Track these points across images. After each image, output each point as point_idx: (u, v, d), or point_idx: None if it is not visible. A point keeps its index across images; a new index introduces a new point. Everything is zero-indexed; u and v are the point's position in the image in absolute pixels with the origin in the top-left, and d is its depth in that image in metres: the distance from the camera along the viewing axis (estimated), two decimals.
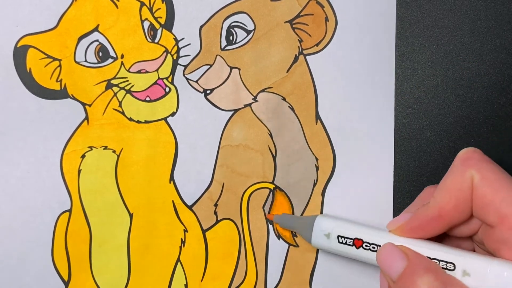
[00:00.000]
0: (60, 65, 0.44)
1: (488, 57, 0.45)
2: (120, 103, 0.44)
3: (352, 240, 0.39)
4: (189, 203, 0.45)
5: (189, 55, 0.45)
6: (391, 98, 0.45)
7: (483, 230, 0.37)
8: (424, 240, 0.37)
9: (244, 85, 0.45)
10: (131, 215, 0.44)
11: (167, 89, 0.45)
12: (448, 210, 0.36)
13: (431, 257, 0.36)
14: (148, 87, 0.44)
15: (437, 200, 0.36)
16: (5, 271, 0.44)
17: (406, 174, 0.45)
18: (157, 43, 0.44)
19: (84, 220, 0.44)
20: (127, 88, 0.44)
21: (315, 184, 0.45)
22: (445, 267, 0.36)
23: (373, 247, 0.38)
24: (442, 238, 0.38)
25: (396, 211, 0.45)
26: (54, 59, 0.44)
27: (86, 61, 0.44)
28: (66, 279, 0.44)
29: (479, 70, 0.45)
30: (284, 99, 0.45)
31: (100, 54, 0.44)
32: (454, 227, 0.37)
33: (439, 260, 0.36)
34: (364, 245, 0.38)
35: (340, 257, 0.44)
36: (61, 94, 0.44)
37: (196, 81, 0.45)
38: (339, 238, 0.39)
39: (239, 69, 0.45)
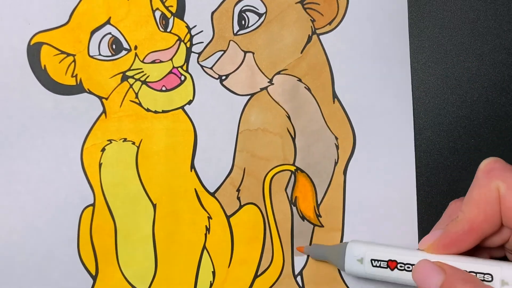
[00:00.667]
0: (74, 60, 0.44)
1: (488, 57, 0.45)
2: (136, 94, 0.44)
3: (386, 262, 0.38)
4: (212, 190, 0.45)
5: (202, 42, 0.45)
6: (407, 72, 0.45)
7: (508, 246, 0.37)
8: (457, 255, 0.37)
9: (259, 68, 0.45)
10: (154, 206, 0.44)
11: (183, 78, 0.45)
12: (478, 223, 0.36)
13: (468, 270, 0.36)
14: (164, 77, 0.44)
15: (466, 215, 0.36)
16: (32, 269, 0.44)
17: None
18: (170, 32, 0.44)
19: (108, 214, 0.44)
20: (142, 79, 0.44)
21: (336, 163, 0.45)
22: (483, 278, 0.35)
23: (408, 267, 0.37)
24: (473, 249, 0.38)
25: (419, 185, 0.45)
26: (68, 54, 0.44)
27: (100, 54, 0.44)
28: (93, 273, 0.44)
29: (479, 70, 0.45)
30: (300, 80, 0.45)
31: (114, 46, 0.44)
32: (485, 238, 0.37)
33: (476, 273, 0.36)
34: (398, 266, 0.38)
35: (366, 236, 0.44)
36: (77, 89, 0.44)
37: (211, 68, 0.45)
38: (373, 261, 0.39)
39: (253, 53, 0.45)
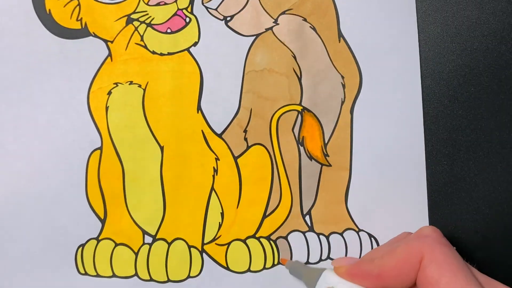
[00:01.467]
0: (79, 4, 0.44)
1: (488, 5, 0.45)
2: (141, 37, 0.44)
3: None
4: (218, 131, 0.45)
5: None
6: (413, 9, 0.44)
7: None
8: None
9: (264, 8, 0.45)
10: (162, 148, 0.44)
11: (187, 20, 0.44)
12: (388, 274, 0.37)
13: None
14: (168, 19, 0.44)
15: (382, 262, 0.38)
16: (40, 213, 0.44)
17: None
18: None
19: (115, 157, 0.44)
20: (147, 21, 0.44)
21: (343, 102, 0.45)
22: None
23: None
24: None
25: (426, 125, 0.44)
26: None
27: None
28: (102, 217, 0.44)
29: (479, 18, 0.45)
30: (305, 19, 0.45)
31: None
32: None
33: None
34: None
35: (374, 174, 0.44)
36: (83, 32, 0.44)
37: (216, 9, 0.45)
38: None
39: None
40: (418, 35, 0.45)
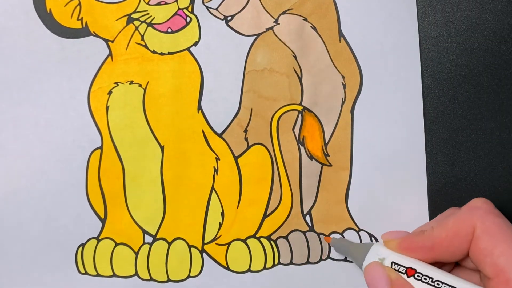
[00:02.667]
0: (79, 3, 0.44)
1: (488, 5, 0.45)
2: (142, 36, 0.44)
3: (405, 268, 0.38)
4: (219, 131, 0.45)
5: None
6: (414, 9, 0.44)
7: (482, 275, 0.38)
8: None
9: (264, 8, 0.45)
10: (162, 148, 0.44)
11: (188, 19, 0.44)
12: (439, 246, 0.38)
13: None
14: (169, 19, 0.44)
15: (433, 234, 0.38)
16: (40, 213, 0.44)
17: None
18: None
19: (116, 156, 0.44)
20: (148, 21, 0.44)
21: (343, 102, 0.45)
22: None
23: (425, 278, 0.38)
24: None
25: (427, 125, 0.44)
26: None
27: None
28: (102, 216, 0.44)
29: (479, 18, 0.45)
30: (305, 19, 0.45)
31: None
32: (443, 262, 0.38)
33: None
34: (416, 275, 0.38)
35: (374, 174, 0.44)
36: (83, 32, 0.44)
37: (216, 9, 0.45)
38: (393, 264, 0.39)
39: None
40: (418, 35, 0.45)
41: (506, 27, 0.45)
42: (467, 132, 0.45)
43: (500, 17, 0.45)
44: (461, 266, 0.40)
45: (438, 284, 0.37)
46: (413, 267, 0.38)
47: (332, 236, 0.44)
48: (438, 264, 0.39)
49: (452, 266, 0.40)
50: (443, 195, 0.45)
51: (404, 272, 0.38)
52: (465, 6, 0.45)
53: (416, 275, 0.38)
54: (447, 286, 0.37)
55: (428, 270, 0.38)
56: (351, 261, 0.43)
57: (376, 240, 0.44)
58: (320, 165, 0.45)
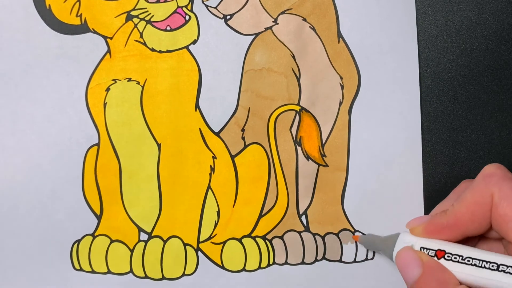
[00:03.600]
0: (79, 0, 0.44)
1: (488, 5, 0.45)
2: (141, 34, 0.44)
3: (434, 251, 0.39)
4: (216, 130, 0.45)
5: None
6: (413, 10, 0.44)
7: (505, 242, 0.38)
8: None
9: (264, 8, 0.45)
10: (159, 145, 0.44)
11: (187, 17, 0.44)
12: (463, 221, 0.37)
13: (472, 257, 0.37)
14: (168, 16, 0.44)
15: (454, 210, 0.38)
16: (36, 209, 0.44)
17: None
18: None
19: (112, 153, 0.44)
20: (147, 18, 0.44)
21: (341, 103, 0.45)
22: (488, 267, 0.37)
23: (455, 257, 0.38)
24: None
25: (424, 124, 0.45)
26: None
27: None
28: (98, 213, 0.44)
29: (479, 18, 0.45)
30: (304, 19, 0.45)
31: None
32: (471, 236, 0.38)
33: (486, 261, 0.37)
34: (446, 256, 0.38)
35: (370, 175, 0.44)
36: (82, 28, 0.44)
37: (216, 7, 0.45)
38: (422, 249, 0.39)
39: None
40: (418, 36, 0.45)
41: (506, 27, 0.45)
42: (467, 132, 0.45)
43: (500, 17, 0.45)
44: (485, 238, 0.40)
45: (468, 261, 0.37)
46: (441, 249, 0.38)
47: (360, 235, 0.44)
48: (463, 241, 0.39)
49: (476, 241, 0.40)
50: (443, 195, 0.44)
51: (433, 255, 0.38)
52: (465, 6, 0.45)
53: (446, 256, 0.38)
54: (478, 261, 0.37)
55: (457, 249, 0.38)
56: (351, 262, 0.44)
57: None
58: (317, 166, 0.45)
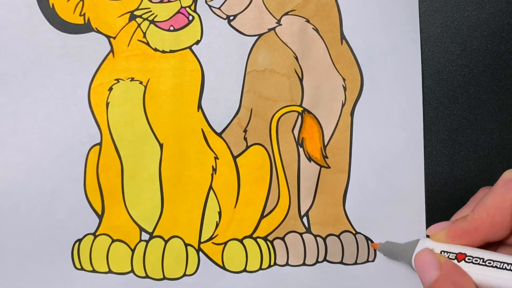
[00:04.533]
0: None
1: (487, 5, 0.45)
2: (144, 34, 0.44)
3: (455, 254, 0.39)
4: (218, 130, 0.45)
5: None
6: (415, 12, 0.44)
7: None
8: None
9: (267, 9, 0.45)
10: (161, 145, 0.44)
11: (190, 18, 0.44)
12: (484, 227, 0.38)
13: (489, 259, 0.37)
14: (172, 17, 0.44)
15: (474, 215, 0.38)
16: (37, 208, 0.44)
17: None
18: None
19: (115, 153, 0.44)
20: (150, 18, 0.44)
21: (343, 104, 0.45)
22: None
23: (476, 260, 0.38)
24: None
25: (426, 126, 0.45)
26: None
27: None
28: (99, 212, 0.44)
29: (478, 19, 0.45)
30: (308, 21, 0.45)
31: None
32: (491, 241, 0.38)
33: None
34: (466, 258, 0.38)
35: (372, 177, 0.44)
36: (85, 28, 0.44)
37: (219, 8, 0.45)
38: (442, 252, 0.39)
39: None
40: (420, 37, 0.45)
41: (506, 27, 0.45)
42: (467, 132, 0.45)
43: (500, 18, 0.45)
44: (504, 244, 0.40)
45: (489, 263, 0.37)
46: (462, 252, 0.38)
47: (378, 243, 0.44)
48: (483, 247, 0.39)
49: (496, 248, 0.40)
50: (443, 195, 0.45)
51: (454, 258, 0.38)
52: (465, 7, 0.45)
53: (466, 259, 0.38)
54: (499, 263, 0.37)
55: (478, 253, 0.38)
56: (350, 263, 0.43)
57: (372, 242, 0.44)
58: (319, 167, 0.45)
